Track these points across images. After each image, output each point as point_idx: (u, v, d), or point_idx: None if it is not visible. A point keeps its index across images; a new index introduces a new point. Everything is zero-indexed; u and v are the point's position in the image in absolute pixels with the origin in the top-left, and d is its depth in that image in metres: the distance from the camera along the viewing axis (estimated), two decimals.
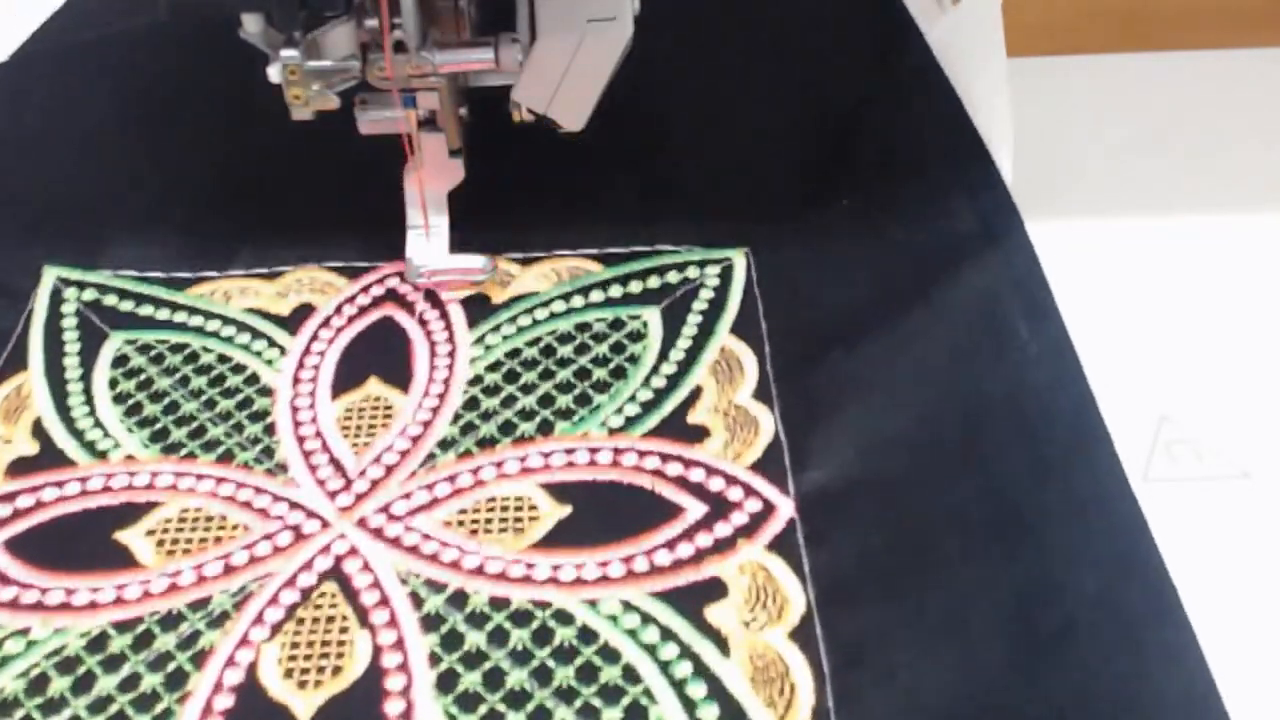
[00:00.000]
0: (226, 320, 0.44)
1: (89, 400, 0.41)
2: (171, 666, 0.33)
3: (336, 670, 0.33)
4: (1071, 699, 0.31)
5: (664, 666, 0.32)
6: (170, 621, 0.34)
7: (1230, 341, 0.42)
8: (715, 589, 0.34)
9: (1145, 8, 0.60)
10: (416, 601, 0.34)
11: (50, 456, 0.39)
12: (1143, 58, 0.57)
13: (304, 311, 0.44)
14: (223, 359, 0.43)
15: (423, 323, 0.44)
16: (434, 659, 0.33)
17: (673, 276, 0.45)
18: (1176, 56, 0.57)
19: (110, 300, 0.45)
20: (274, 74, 0.38)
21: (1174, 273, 0.45)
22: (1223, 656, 0.31)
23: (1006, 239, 0.45)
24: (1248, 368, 0.41)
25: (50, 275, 0.46)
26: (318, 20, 0.38)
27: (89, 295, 0.45)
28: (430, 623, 0.34)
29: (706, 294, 0.45)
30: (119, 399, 0.41)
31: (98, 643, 0.34)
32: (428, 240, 0.44)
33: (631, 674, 0.32)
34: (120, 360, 0.43)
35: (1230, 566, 0.34)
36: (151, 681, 0.33)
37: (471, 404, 0.40)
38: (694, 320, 0.44)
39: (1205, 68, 0.56)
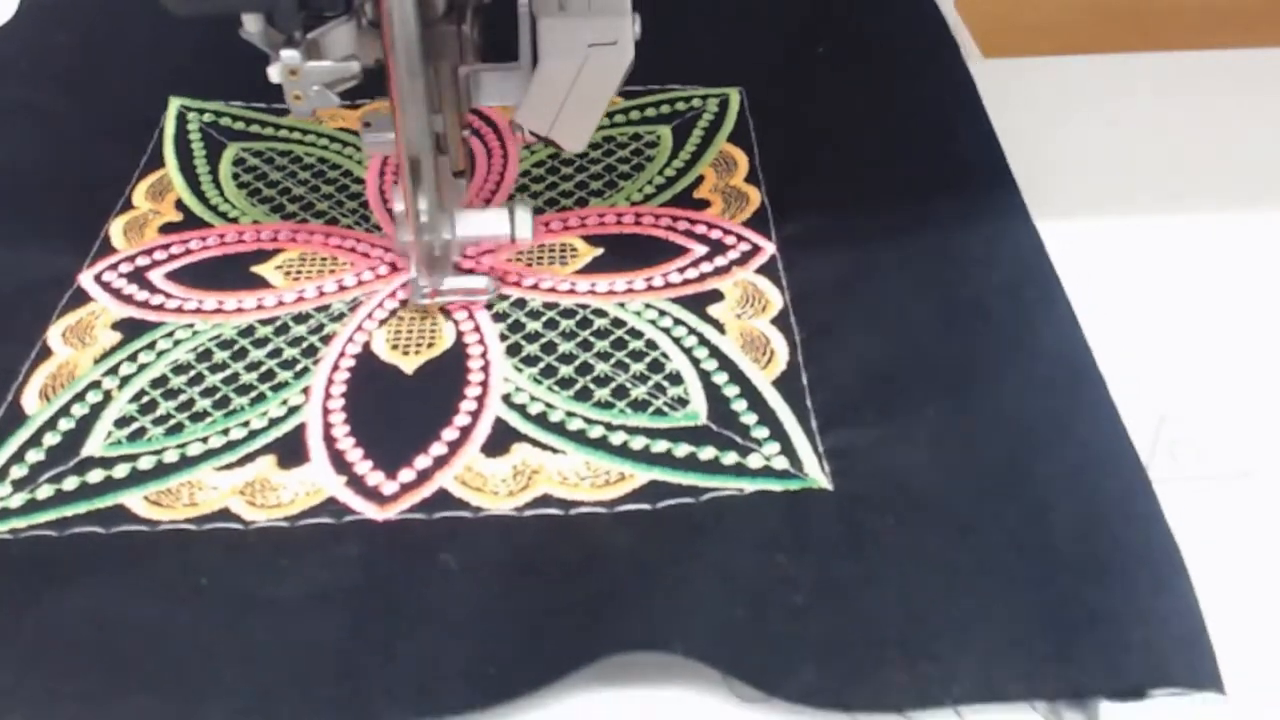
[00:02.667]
0: (321, 135, 0.55)
1: (217, 185, 0.52)
2: (305, 344, 0.44)
3: (430, 344, 0.43)
4: (984, 354, 0.41)
5: (676, 340, 0.43)
6: (301, 318, 0.45)
7: (1231, 341, 0.42)
8: (715, 295, 0.45)
9: (1145, 8, 0.61)
10: (487, 304, 0.45)
11: (192, 222, 0.50)
12: (1143, 58, 0.57)
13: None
14: (321, 160, 0.53)
15: (479, 134, 0.54)
16: (503, 337, 0.44)
17: (680, 105, 0.56)
18: (1176, 56, 0.57)
19: (225, 121, 0.56)
20: (274, 74, 0.38)
21: (1174, 273, 0.45)
22: (1223, 657, 0.31)
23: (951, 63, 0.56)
24: (1248, 367, 0.41)
25: (175, 103, 0.57)
26: (318, 20, 0.38)
27: (208, 117, 0.56)
28: (498, 316, 0.45)
29: (708, 117, 0.56)
30: (241, 185, 0.52)
31: (247, 331, 0.44)
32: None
33: (652, 344, 0.43)
34: (239, 161, 0.53)
35: (1231, 566, 0.34)
36: (291, 353, 0.43)
37: (522, 188, 0.51)
38: (698, 134, 0.54)
39: (1205, 68, 0.56)
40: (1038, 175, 0.48)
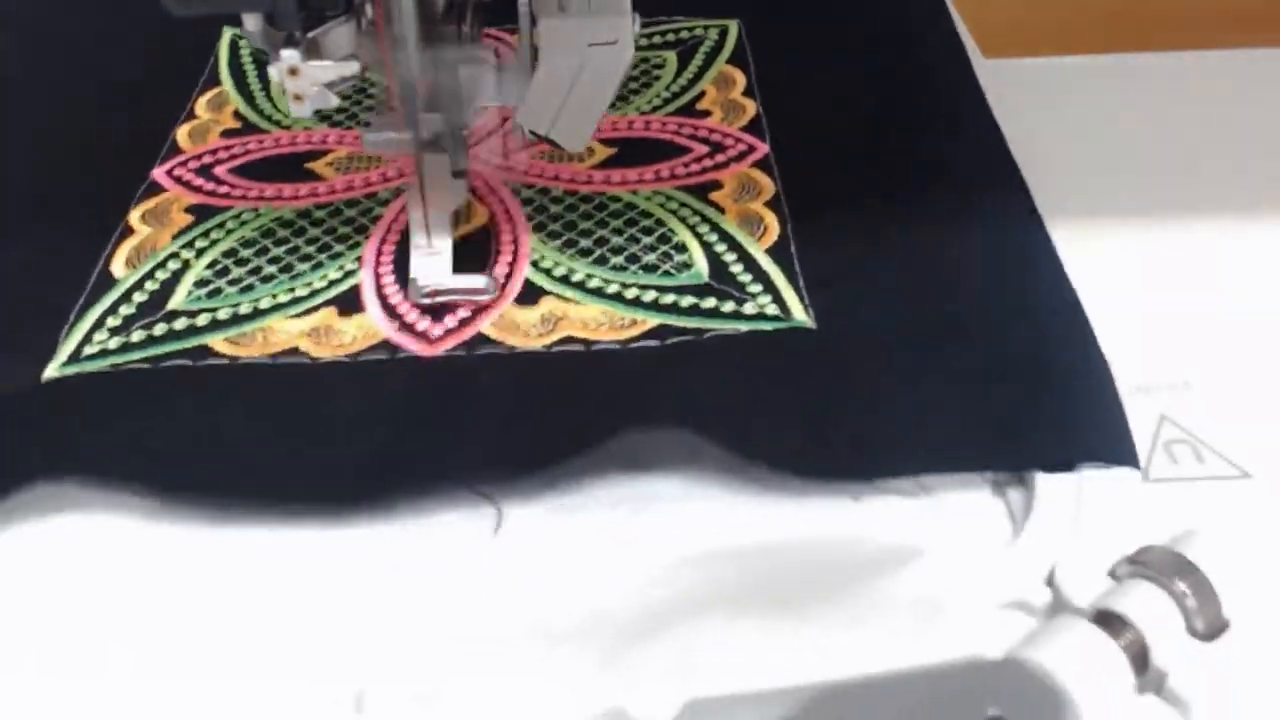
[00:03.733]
0: None
1: (270, 100, 0.58)
2: (356, 224, 0.50)
3: (468, 221, 0.50)
4: (949, 228, 0.48)
5: (682, 219, 0.49)
6: (352, 204, 0.51)
7: (1230, 342, 0.42)
8: (715, 185, 0.51)
9: (1144, 8, 0.61)
10: (515, 193, 0.51)
11: (249, 129, 0.56)
12: (1143, 58, 0.57)
13: None
14: (368, 81, 0.60)
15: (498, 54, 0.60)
16: (530, 217, 0.50)
17: (684, 34, 0.63)
18: (1176, 56, 0.57)
19: None
20: (274, 74, 0.38)
21: (1173, 273, 0.45)
22: (1223, 656, 0.31)
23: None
24: (1248, 368, 0.41)
25: (228, 33, 0.63)
26: (318, 20, 0.38)
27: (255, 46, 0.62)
28: (525, 201, 0.51)
29: (709, 44, 0.62)
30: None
31: (305, 214, 0.51)
32: (431, 261, 0.45)
33: (660, 222, 0.49)
34: None
35: (1230, 567, 0.33)
36: (344, 230, 0.50)
37: None
38: (699, 57, 0.61)
39: (1205, 68, 0.56)
40: (1037, 175, 0.49)
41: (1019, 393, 0.39)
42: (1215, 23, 0.60)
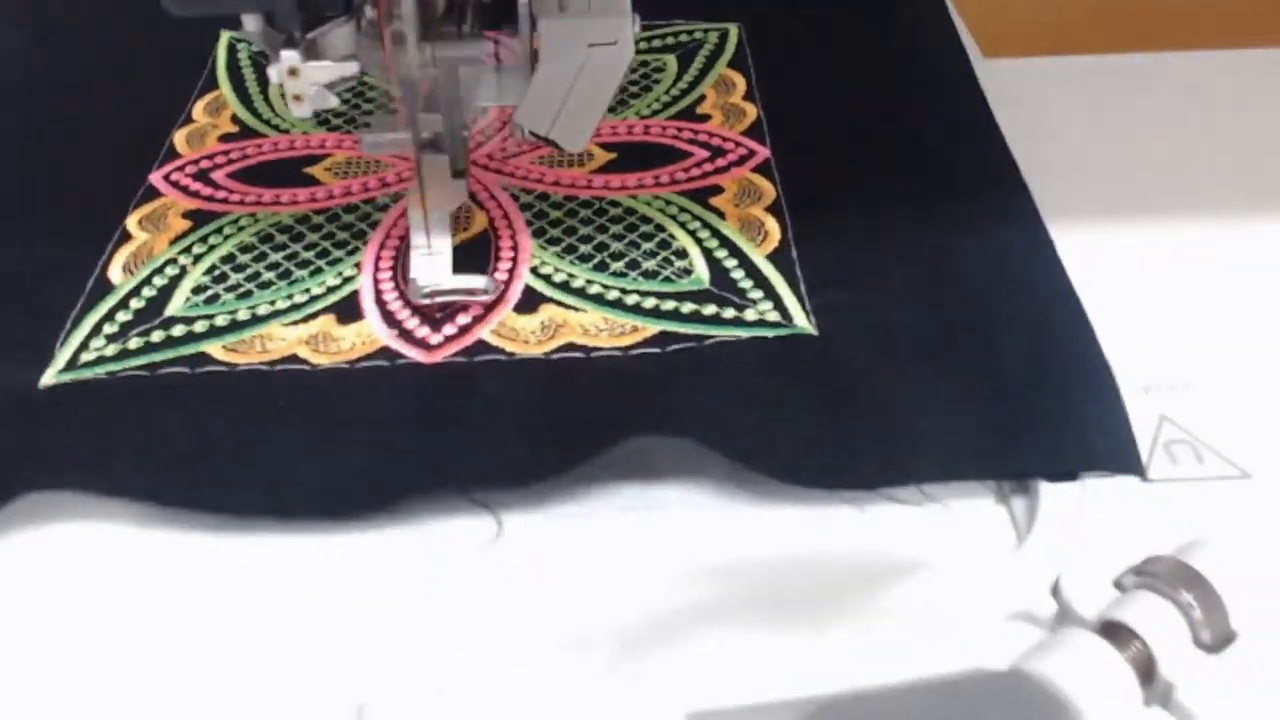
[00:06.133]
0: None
1: (268, 103, 0.58)
2: (355, 229, 0.50)
3: (466, 228, 0.49)
4: (951, 231, 0.47)
5: (682, 224, 0.49)
6: (351, 209, 0.51)
7: (1230, 342, 0.42)
8: (716, 190, 0.51)
9: (1145, 8, 0.61)
10: (514, 197, 0.51)
11: (246, 133, 0.56)
12: (1143, 58, 0.57)
13: None
14: (362, 82, 0.59)
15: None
16: (529, 222, 0.50)
17: (684, 38, 0.62)
18: (1176, 56, 0.57)
19: None
20: (274, 74, 0.38)
21: (1173, 273, 0.45)
22: (1223, 657, 0.31)
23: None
24: (1248, 368, 0.41)
25: (226, 36, 0.63)
26: (318, 20, 0.38)
27: (256, 48, 0.62)
28: (525, 206, 0.50)
29: (709, 47, 0.62)
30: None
31: (304, 219, 0.50)
32: (431, 261, 0.45)
33: (660, 227, 0.49)
34: None
35: (1230, 567, 0.33)
36: (343, 235, 0.49)
37: None
38: (700, 61, 0.60)
39: (1205, 68, 0.56)
40: (1038, 176, 0.49)
41: (1022, 399, 0.39)
42: (1215, 23, 0.60)
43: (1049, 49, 0.59)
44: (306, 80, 0.38)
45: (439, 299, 0.44)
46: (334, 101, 0.39)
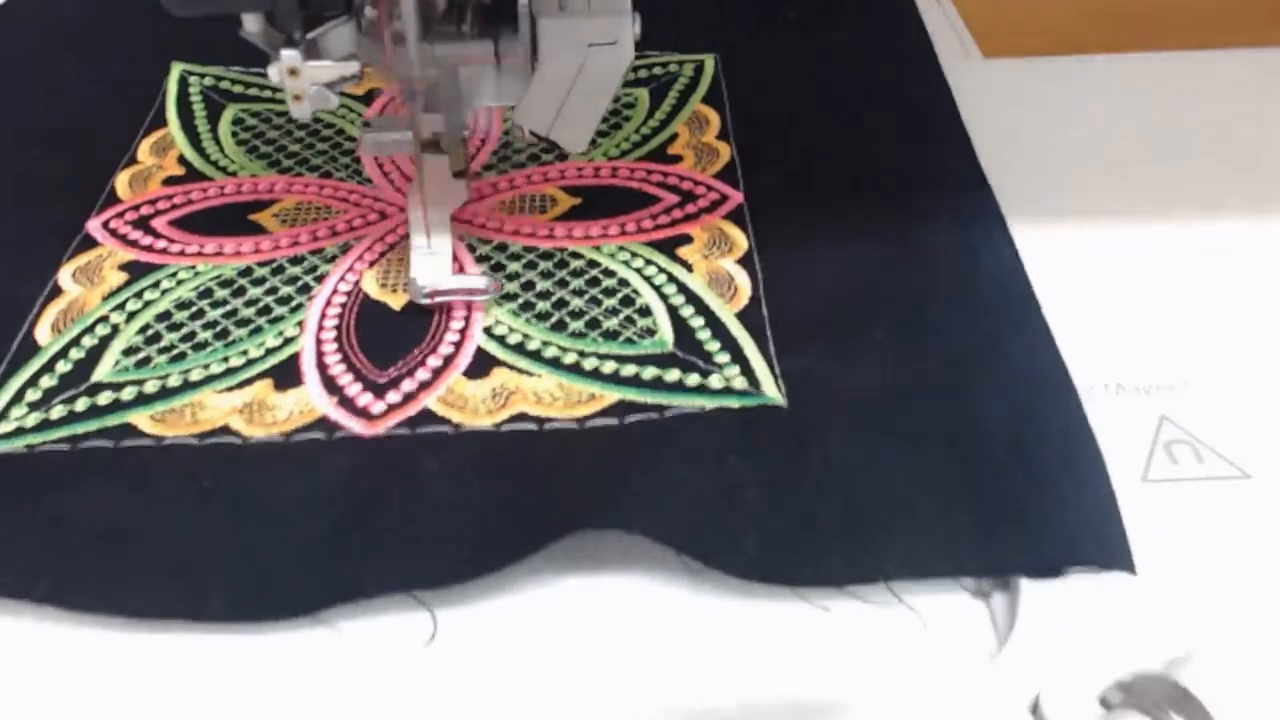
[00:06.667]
0: None
1: (217, 143, 0.55)
2: (300, 283, 0.47)
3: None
4: (929, 290, 0.45)
5: (647, 278, 0.46)
6: (296, 260, 0.48)
7: (1230, 342, 0.42)
8: (685, 239, 0.48)
9: (1145, 8, 0.61)
10: (470, 248, 0.48)
11: (193, 176, 0.53)
12: (1143, 58, 0.57)
13: (376, 92, 0.58)
14: (316, 119, 0.56)
15: None
16: (485, 274, 0.47)
17: (658, 70, 0.59)
18: (1176, 56, 0.57)
19: (225, 85, 0.59)
20: (273, 74, 0.38)
21: (1173, 273, 0.45)
22: (1223, 657, 0.31)
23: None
24: (1248, 368, 0.41)
25: (177, 68, 0.60)
26: (318, 20, 0.38)
27: (208, 80, 0.59)
28: (481, 259, 0.48)
29: (683, 81, 0.59)
30: (240, 143, 0.55)
31: (246, 272, 0.47)
32: (431, 261, 0.44)
33: (624, 282, 0.46)
34: (238, 121, 0.57)
35: (1230, 567, 0.34)
36: (286, 290, 0.46)
37: (505, 144, 0.54)
38: (673, 96, 0.58)
39: (1205, 68, 0.56)
40: (1037, 176, 0.49)
41: (1002, 487, 0.36)
42: (1215, 23, 0.60)
43: (1049, 49, 0.58)
44: (306, 80, 0.39)
45: (439, 299, 0.44)
46: (334, 102, 0.39)
